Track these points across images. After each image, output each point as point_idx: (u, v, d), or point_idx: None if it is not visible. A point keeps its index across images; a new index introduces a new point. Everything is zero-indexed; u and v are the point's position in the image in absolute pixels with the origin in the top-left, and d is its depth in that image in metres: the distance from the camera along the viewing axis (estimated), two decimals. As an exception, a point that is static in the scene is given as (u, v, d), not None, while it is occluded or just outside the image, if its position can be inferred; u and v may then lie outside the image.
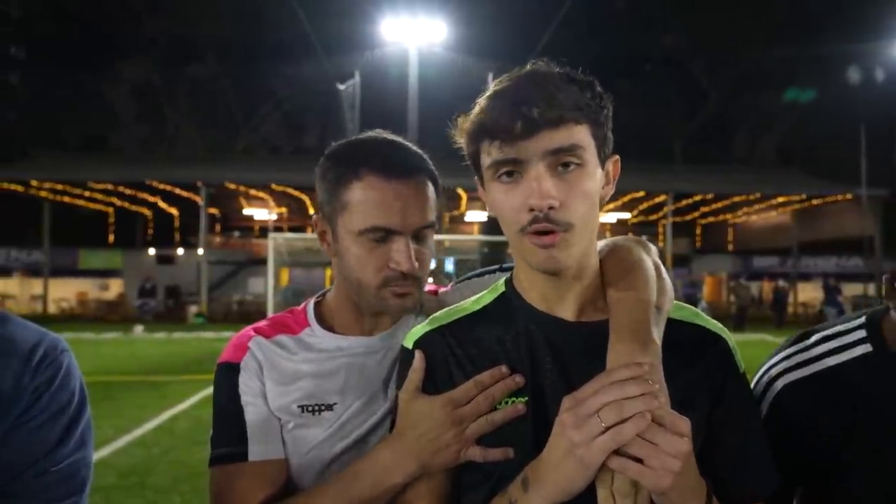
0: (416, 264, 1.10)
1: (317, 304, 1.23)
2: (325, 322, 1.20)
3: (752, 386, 1.09)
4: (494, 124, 0.87)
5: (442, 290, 1.25)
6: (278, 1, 28.55)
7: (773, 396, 1.06)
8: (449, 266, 18.38)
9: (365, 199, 1.09)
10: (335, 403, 1.12)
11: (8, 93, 32.29)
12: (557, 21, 25.87)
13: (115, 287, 25.99)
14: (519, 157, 0.86)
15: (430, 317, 1.04)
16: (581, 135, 0.87)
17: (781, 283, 22.35)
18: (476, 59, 22.30)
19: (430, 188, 1.14)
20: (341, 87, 19.10)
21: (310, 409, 1.11)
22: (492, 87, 0.91)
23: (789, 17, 33.51)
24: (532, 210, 0.86)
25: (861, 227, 22.31)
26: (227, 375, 1.13)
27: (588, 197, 0.89)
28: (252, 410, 1.10)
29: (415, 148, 1.15)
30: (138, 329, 17.70)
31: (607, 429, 0.77)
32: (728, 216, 29.42)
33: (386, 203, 1.08)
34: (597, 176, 0.91)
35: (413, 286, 1.12)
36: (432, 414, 0.94)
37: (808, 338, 1.08)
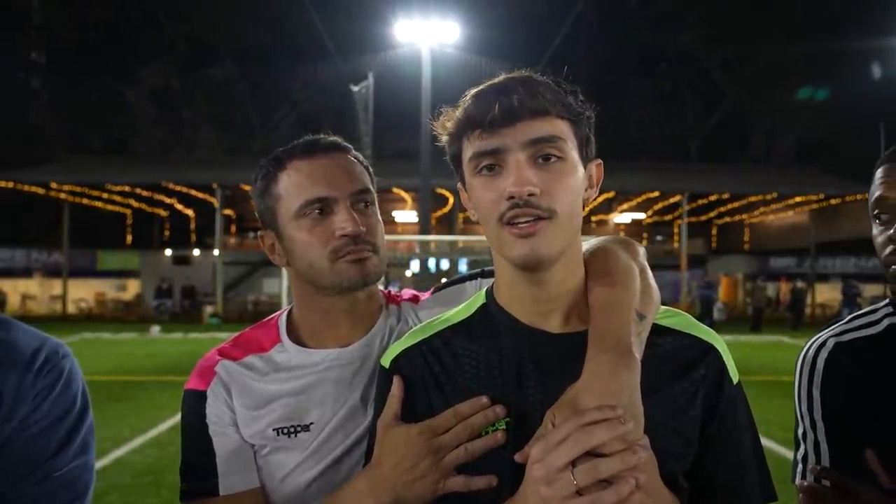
0: (363, 228, 1.06)
1: (290, 315, 1.17)
2: (296, 335, 1.14)
3: (801, 355, 1.17)
4: (475, 114, 0.86)
5: (423, 297, 1.21)
6: (294, 4, 28.75)
7: (827, 353, 1.15)
8: (462, 266, 18.35)
9: (294, 182, 1.08)
10: (312, 423, 1.06)
11: (30, 96, 32.83)
12: (570, 20, 25.76)
13: (132, 287, 26.30)
14: (499, 147, 0.85)
15: (410, 331, 1.02)
16: (563, 128, 0.87)
17: (799, 283, 22.06)
18: (489, 59, 22.27)
19: (357, 163, 1.13)
20: (355, 88, 19.15)
21: (285, 431, 1.06)
22: (475, 87, 0.91)
23: (807, 13, 33.10)
24: (511, 198, 0.84)
25: (881, 226, 21.91)
26: (194, 404, 1.08)
27: (571, 190, 0.87)
28: (221, 441, 1.06)
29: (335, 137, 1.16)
30: (155, 329, 17.88)
31: (581, 488, 0.73)
32: (744, 216, 29.11)
33: (314, 176, 1.08)
34: (579, 174, 0.89)
35: (367, 250, 1.08)
36: (409, 442, 0.90)
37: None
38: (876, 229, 1.15)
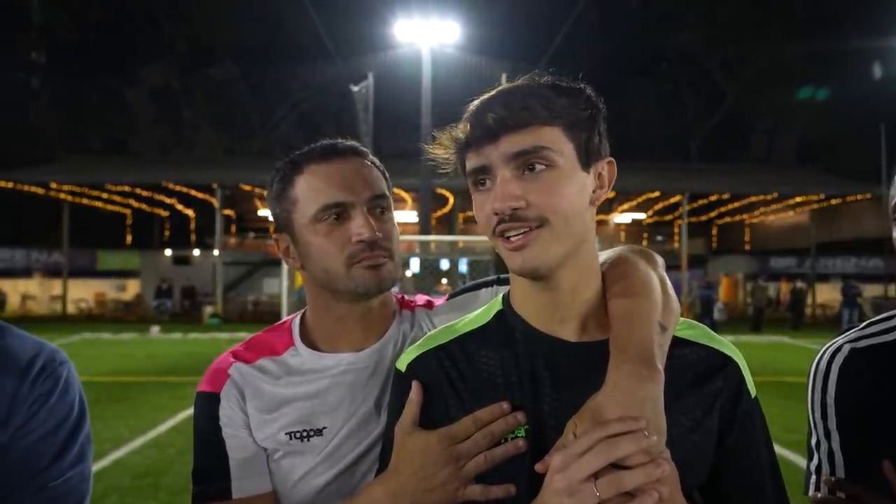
0: (379, 234, 1.07)
1: (303, 319, 1.18)
2: (309, 339, 1.14)
3: (815, 362, 1.15)
4: (461, 134, 0.89)
5: (437, 303, 1.21)
6: (294, 4, 28.76)
7: (842, 360, 1.12)
8: (463, 267, 18.35)
9: (311, 186, 1.09)
10: (325, 427, 1.06)
11: (30, 96, 32.84)
12: (571, 20, 25.77)
13: (132, 288, 26.30)
14: (485, 164, 0.87)
15: (426, 336, 1.01)
16: (550, 136, 0.86)
17: (799, 283, 22.04)
18: (489, 59, 22.27)
19: (373, 168, 1.14)
20: (354, 88, 19.14)
21: (298, 435, 1.06)
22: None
23: (807, 13, 33.10)
24: (497, 213, 0.86)
25: (881, 227, 21.95)
26: (207, 406, 1.07)
27: (564, 197, 0.86)
28: (234, 443, 1.05)
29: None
30: (155, 329, 17.88)
31: (603, 500, 0.73)
32: (745, 216, 29.12)
33: (332, 181, 1.08)
34: (577, 179, 0.88)
35: (383, 256, 1.07)
36: (428, 450, 0.90)
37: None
38: None
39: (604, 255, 0.99)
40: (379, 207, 1.10)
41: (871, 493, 1.01)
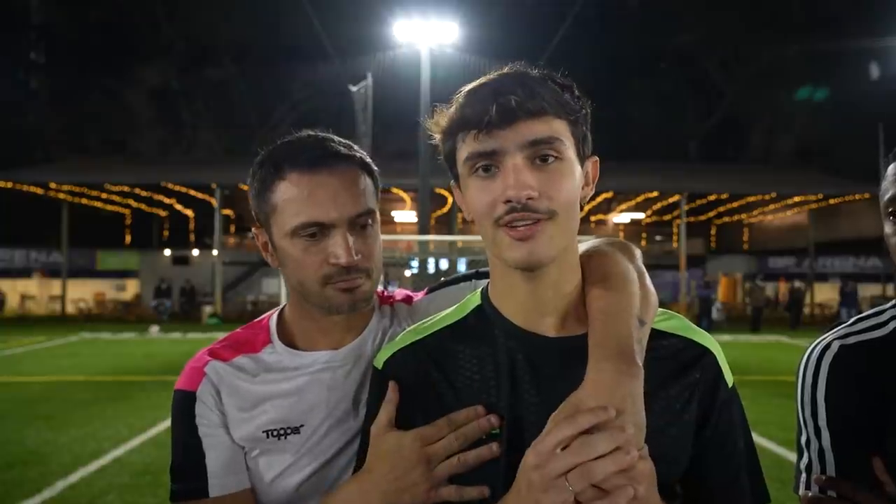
0: (358, 256, 1.02)
1: (280, 316, 1.16)
2: (287, 337, 1.12)
3: (804, 359, 1.14)
4: (472, 114, 0.84)
5: (416, 297, 1.19)
6: (293, 5, 28.76)
7: (831, 357, 1.11)
8: (462, 267, 18.34)
9: (291, 197, 1.02)
10: (302, 425, 1.05)
11: (28, 97, 32.84)
12: (570, 20, 25.76)
13: (131, 288, 26.28)
14: (496, 148, 0.83)
15: (403, 332, 1.00)
16: (560, 129, 0.85)
17: (797, 283, 22.05)
18: (488, 59, 22.25)
19: (363, 176, 1.07)
20: (353, 88, 19.11)
21: (275, 433, 1.04)
22: (469, 84, 0.88)
23: (806, 14, 33.14)
24: (509, 202, 0.82)
25: (879, 226, 21.81)
26: (184, 405, 1.07)
27: (569, 191, 0.84)
28: (211, 442, 1.04)
29: (341, 140, 1.09)
30: (154, 329, 17.87)
31: (577, 493, 0.73)
32: (743, 216, 29.14)
33: (313, 196, 1.01)
34: (577, 173, 0.86)
35: (360, 278, 1.04)
36: (401, 450, 0.89)
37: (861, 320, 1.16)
38: (889, 228, 1.08)
39: (581, 248, 0.97)
40: (361, 224, 1.05)
41: (862, 491, 1.00)
